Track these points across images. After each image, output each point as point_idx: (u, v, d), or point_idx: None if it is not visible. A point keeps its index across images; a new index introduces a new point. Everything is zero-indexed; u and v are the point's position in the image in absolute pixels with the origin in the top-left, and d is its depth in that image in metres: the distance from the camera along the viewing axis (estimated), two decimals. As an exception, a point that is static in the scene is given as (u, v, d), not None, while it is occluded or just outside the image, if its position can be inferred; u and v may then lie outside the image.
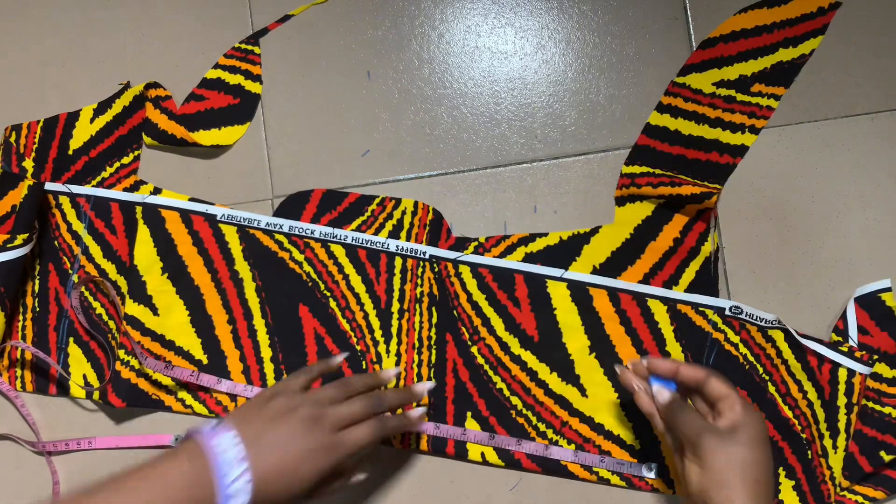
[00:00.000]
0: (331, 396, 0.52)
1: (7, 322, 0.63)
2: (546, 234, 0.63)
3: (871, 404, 0.57)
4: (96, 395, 0.63)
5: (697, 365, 0.53)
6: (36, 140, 0.66)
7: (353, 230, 0.63)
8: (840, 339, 0.59)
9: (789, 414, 0.59)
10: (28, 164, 0.65)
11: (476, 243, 0.63)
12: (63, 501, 0.45)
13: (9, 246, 0.61)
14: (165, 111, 0.66)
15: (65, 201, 0.66)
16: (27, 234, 0.62)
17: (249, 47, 0.67)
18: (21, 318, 0.65)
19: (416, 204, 0.64)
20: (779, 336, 0.59)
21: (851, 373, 0.58)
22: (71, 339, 0.64)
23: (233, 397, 0.62)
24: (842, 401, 0.57)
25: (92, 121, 0.66)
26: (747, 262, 0.62)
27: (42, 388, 0.64)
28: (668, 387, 0.53)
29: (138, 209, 0.65)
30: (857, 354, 0.58)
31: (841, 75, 0.63)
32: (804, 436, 0.58)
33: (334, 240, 0.63)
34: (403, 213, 0.64)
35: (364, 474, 0.55)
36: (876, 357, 0.58)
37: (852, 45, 0.63)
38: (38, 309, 0.65)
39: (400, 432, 0.58)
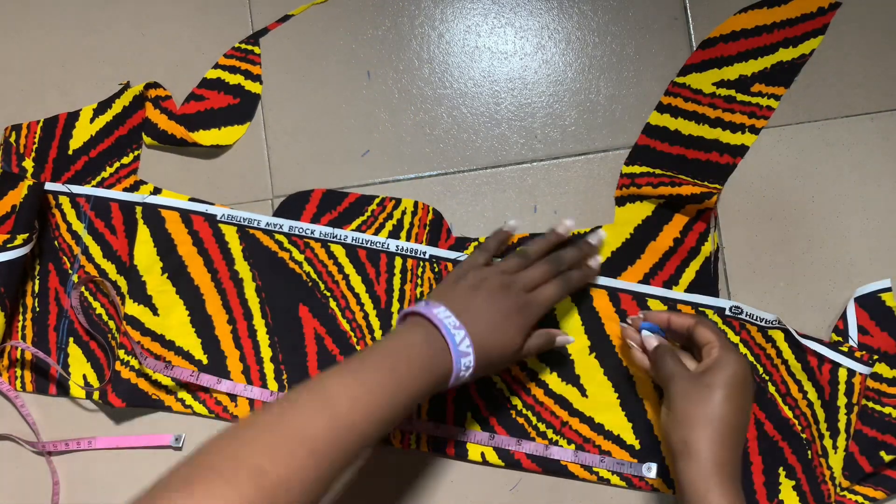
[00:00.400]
0: (514, 265, 0.57)
1: (7, 322, 0.63)
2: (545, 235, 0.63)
3: (871, 404, 0.57)
4: (96, 395, 0.63)
5: (688, 313, 0.55)
6: (36, 140, 0.66)
7: (353, 230, 0.63)
8: (840, 339, 0.59)
9: (789, 414, 0.58)
10: (28, 164, 0.65)
11: (476, 243, 0.63)
12: (313, 378, 0.48)
13: (9, 246, 0.61)
14: (165, 111, 0.66)
15: (65, 201, 0.66)
16: (27, 234, 0.62)
17: (249, 47, 0.67)
18: (21, 318, 0.65)
19: (415, 204, 0.64)
20: (779, 336, 0.59)
21: (851, 373, 0.58)
22: (71, 339, 0.64)
23: (233, 397, 0.62)
24: (842, 401, 0.57)
25: (92, 121, 0.66)
26: (747, 262, 0.62)
27: (42, 388, 0.64)
28: (658, 334, 0.56)
29: (138, 209, 0.65)
30: (858, 354, 0.58)
31: (841, 75, 0.63)
32: (804, 436, 0.58)
33: (334, 240, 0.63)
34: (403, 213, 0.64)
35: (572, 338, 0.59)
36: (876, 357, 0.58)
37: (852, 45, 0.63)
38: (37, 309, 0.65)
39: (585, 283, 0.61)
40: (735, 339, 0.60)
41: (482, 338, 0.52)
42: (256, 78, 0.67)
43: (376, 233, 0.63)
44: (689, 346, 0.56)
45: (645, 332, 0.57)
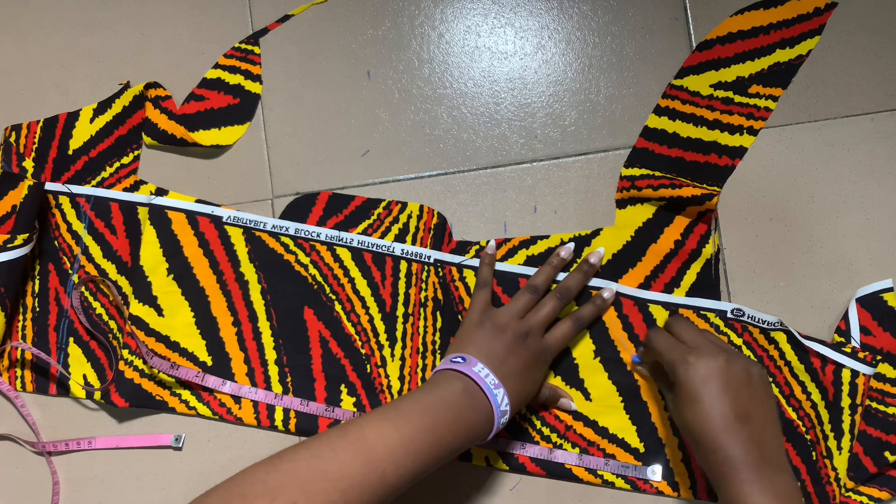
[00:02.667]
0: (526, 303, 0.58)
1: (7, 322, 0.63)
2: (547, 237, 0.63)
3: (874, 405, 0.57)
4: (97, 395, 0.63)
5: (648, 343, 0.57)
6: (36, 140, 0.66)
7: (359, 233, 0.63)
8: (843, 339, 0.59)
9: (793, 415, 0.58)
10: (28, 164, 0.65)
11: (477, 247, 0.63)
12: (350, 422, 0.48)
13: (9, 246, 0.61)
14: (165, 111, 0.66)
15: (65, 201, 0.66)
16: (27, 234, 0.62)
17: (249, 47, 0.67)
18: (21, 318, 0.65)
19: (421, 208, 0.64)
20: (781, 338, 0.59)
21: (855, 373, 0.58)
22: (71, 339, 0.64)
23: (236, 399, 0.62)
24: (846, 402, 0.57)
25: (92, 121, 0.66)
26: (747, 262, 0.62)
27: (42, 389, 0.64)
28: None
29: (143, 210, 0.65)
30: (861, 355, 0.58)
31: (841, 75, 0.63)
32: (808, 437, 0.58)
33: (340, 243, 0.63)
34: (409, 216, 0.64)
35: (574, 405, 0.60)
36: (879, 357, 0.58)
37: (852, 45, 0.63)
38: (38, 309, 0.65)
39: (598, 317, 0.61)
40: (738, 341, 0.60)
41: (515, 392, 0.53)
42: (256, 78, 0.67)
43: (382, 236, 0.63)
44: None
45: (638, 368, 0.60)
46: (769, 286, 0.61)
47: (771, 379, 0.59)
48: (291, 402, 0.62)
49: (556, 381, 0.61)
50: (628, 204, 0.63)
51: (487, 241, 0.63)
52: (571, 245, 0.61)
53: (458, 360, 0.54)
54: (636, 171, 0.63)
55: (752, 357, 0.59)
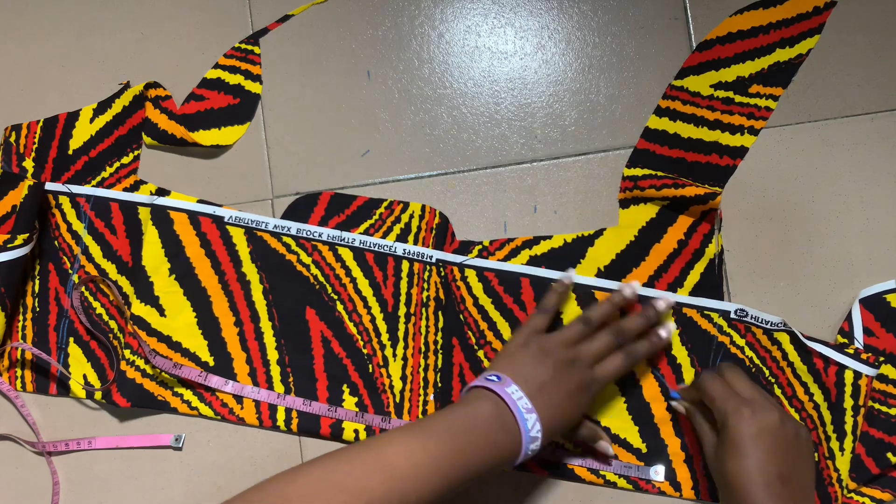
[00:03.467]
0: (576, 334, 0.56)
1: (7, 322, 0.63)
2: (550, 237, 0.63)
3: (877, 406, 0.57)
4: (98, 395, 0.63)
5: (695, 384, 0.55)
6: (36, 140, 0.66)
7: (361, 233, 0.63)
8: (846, 340, 0.59)
9: (796, 416, 0.58)
10: (28, 164, 0.65)
11: (480, 246, 0.63)
12: (375, 437, 0.48)
13: (9, 246, 0.61)
14: (165, 111, 0.66)
15: (65, 201, 0.66)
16: (27, 234, 0.62)
17: (249, 47, 0.67)
18: (21, 318, 0.65)
19: (423, 208, 0.64)
20: (784, 339, 0.59)
21: (858, 375, 0.57)
22: (71, 339, 0.64)
23: (239, 399, 0.62)
24: (848, 403, 0.57)
25: (92, 121, 0.66)
26: (747, 262, 0.62)
27: (42, 388, 0.64)
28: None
29: (145, 210, 0.64)
30: (863, 356, 0.58)
31: (841, 75, 0.63)
32: None
33: (342, 243, 0.63)
34: (411, 216, 0.64)
35: (612, 451, 0.59)
36: (882, 359, 0.58)
37: (852, 45, 0.63)
38: (38, 309, 0.65)
39: (650, 355, 0.59)
40: (741, 341, 0.60)
41: (549, 420, 0.51)
42: (256, 78, 0.67)
43: (384, 236, 0.63)
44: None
45: (674, 404, 0.59)
46: (769, 286, 0.61)
47: (773, 380, 0.59)
48: (294, 401, 0.62)
49: None
50: (631, 203, 0.63)
51: (489, 242, 0.63)
52: (637, 284, 0.60)
53: (493, 378, 0.52)
54: (639, 172, 0.63)
55: (755, 358, 0.59)
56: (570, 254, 0.62)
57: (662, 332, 0.58)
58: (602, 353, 0.55)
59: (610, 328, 0.57)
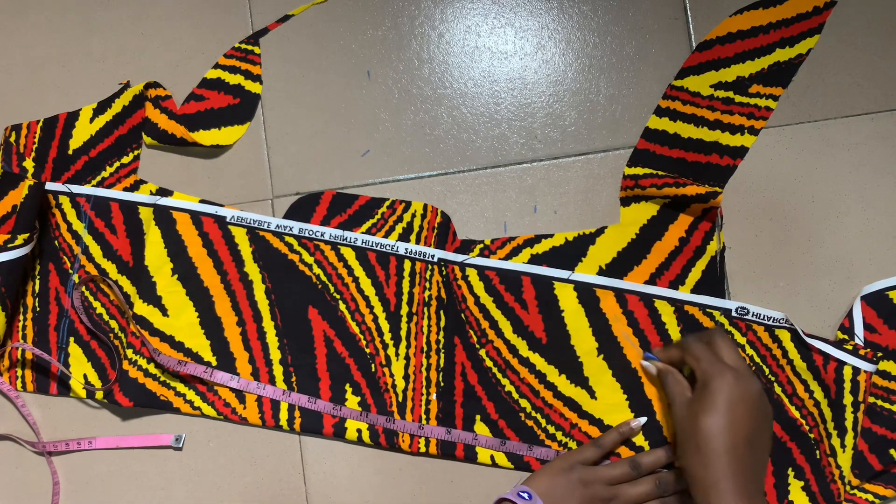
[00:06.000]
0: (622, 475, 0.57)
1: (7, 322, 0.63)
2: (552, 236, 0.63)
3: (880, 402, 0.58)
4: (99, 394, 0.63)
5: (677, 344, 0.57)
6: (36, 140, 0.66)
7: (363, 233, 0.63)
8: (846, 337, 0.59)
9: (796, 414, 0.59)
10: (28, 163, 0.65)
11: (482, 245, 0.63)
12: None
13: (9, 246, 0.61)
14: (165, 111, 0.66)
15: (65, 201, 0.66)
16: (28, 234, 0.62)
17: (249, 47, 0.67)
18: (21, 317, 0.65)
19: (425, 207, 0.64)
20: (785, 336, 0.59)
21: (856, 371, 0.58)
22: (72, 339, 0.64)
23: (241, 399, 0.62)
24: (848, 399, 0.57)
25: (91, 120, 0.66)
26: (747, 261, 0.62)
27: (43, 388, 0.64)
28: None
29: (147, 210, 0.65)
30: (862, 352, 0.58)
31: (841, 75, 0.63)
32: (812, 435, 0.58)
33: (344, 242, 0.63)
34: (413, 215, 0.64)
35: None
36: (880, 354, 0.58)
37: (852, 45, 0.63)
38: (38, 309, 0.65)
39: None
40: (741, 339, 0.60)
41: None
42: (256, 78, 0.67)
43: (386, 235, 0.63)
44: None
45: (644, 363, 0.60)
46: (769, 286, 0.61)
47: (773, 378, 0.59)
48: (299, 398, 0.62)
49: (560, 381, 0.61)
50: (633, 202, 0.63)
51: (491, 241, 0.63)
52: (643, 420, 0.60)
53: (525, 495, 0.54)
54: (640, 171, 0.63)
55: (756, 357, 0.59)
56: (572, 252, 0.62)
57: None
58: (640, 499, 0.57)
59: (656, 478, 0.57)
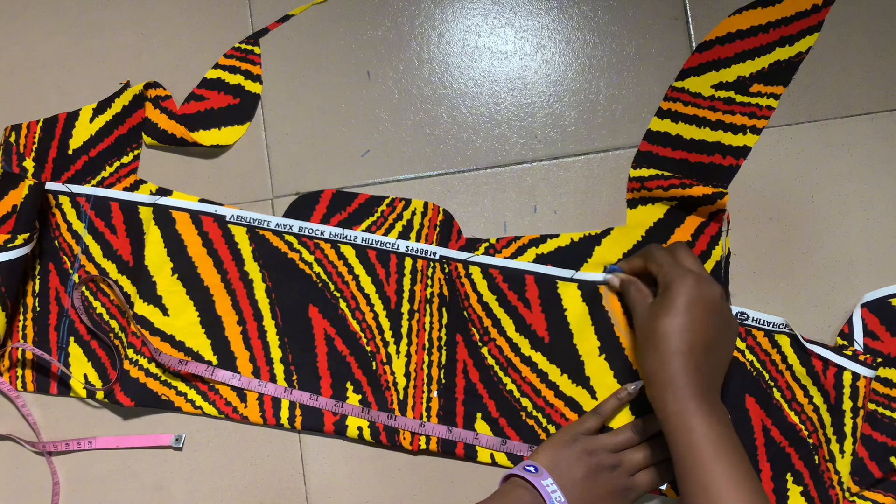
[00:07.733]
0: (625, 441, 0.57)
1: (8, 322, 0.63)
2: (557, 236, 0.63)
3: (880, 409, 0.57)
4: (100, 394, 0.63)
5: (640, 253, 0.58)
6: (36, 140, 0.66)
7: (362, 231, 0.63)
8: (845, 343, 0.59)
9: (795, 419, 0.58)
10: (28, 163, 0.65)
11: (487, 244, 0.63)
12: None
13: (9, 246, 0.61)
14: (165, 111, 0.66)
15: (65, 201, 0.66)
16: (28, 234, 0.62)
17: (249, 47, 0.67)
18: (21, 317, 0.65)
19: (425, 205, 0.64)
20: (784, 341, 0.59)
21: (856, 376, 0.57)
22: (72, 339, 0.64)
23: (242, 398, 0.62)
24: (847, 405, 0.57)
25: (91, 120, 0.66)
26: (748, 262, 0.62)
27: (43, 388, 0.64)
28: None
29: (147, 210, 0.65)
30: (861, 358, 0.58)
31: (841, 75, 0.63)
32: (811, 441, 0.58)
33: (344, 240, 0.63)
34: (413, 213, 0.64)
35: None
36: (880, 360, 0.58)
37: (852, 45, 0.63)
38: (38, 309, 0.65)
39: None
40: (741, 345, 0.60)
41: None
42: (256, 78, 0.67)
43: (386, 233, 0.63)
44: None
45: (608, 276, 0.60)
46: (769, 286, 0.61)
47: (773, 383, 0.59)
48: (301, 395, 0.62)
49: (562, 380, 0.61)
50: (639, 204, 0.63)
51: (496, 240, 0.63)
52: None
53: (531, 468, 0.54)
54: (645, 172, 0.63)
55: (755, 362, 0.59)
56: (577, 253, 0.62)
57: None
58: (645, 463, 0.56)
59: (659, 440, 0.57)
